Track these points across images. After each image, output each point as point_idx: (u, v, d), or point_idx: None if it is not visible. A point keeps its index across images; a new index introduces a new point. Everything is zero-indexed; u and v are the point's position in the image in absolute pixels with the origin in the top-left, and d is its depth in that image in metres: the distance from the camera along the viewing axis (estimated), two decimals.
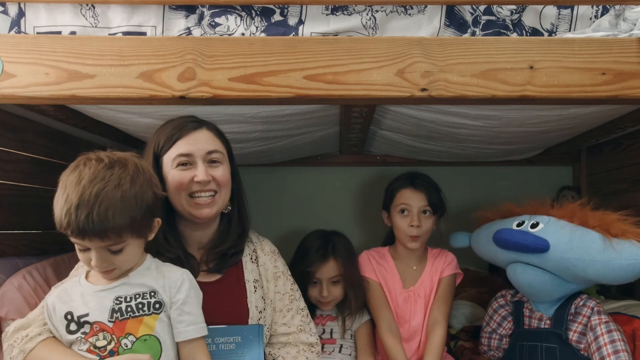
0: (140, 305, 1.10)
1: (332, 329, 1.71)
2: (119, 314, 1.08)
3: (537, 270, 1.48)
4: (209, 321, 1.19)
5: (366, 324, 1.74)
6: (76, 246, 1.08)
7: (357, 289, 1.69)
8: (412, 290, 1.75)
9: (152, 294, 1.11)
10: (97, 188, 1.02)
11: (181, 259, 1.28)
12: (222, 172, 1.30)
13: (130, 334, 1.08)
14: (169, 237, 1.28)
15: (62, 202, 1.03)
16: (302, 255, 1.70)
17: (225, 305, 1.31)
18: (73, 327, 1.10)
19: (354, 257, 1.74)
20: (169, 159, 1.27)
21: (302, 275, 1.62)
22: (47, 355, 1.10)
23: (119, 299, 1.09)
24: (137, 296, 1.10)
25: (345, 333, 1.71)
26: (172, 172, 1.27)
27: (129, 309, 1.09)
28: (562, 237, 1.43)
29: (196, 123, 1.31)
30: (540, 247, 1.44)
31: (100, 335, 1.08)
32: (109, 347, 1.07)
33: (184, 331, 1.12)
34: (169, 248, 1.27)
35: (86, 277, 1.15)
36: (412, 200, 1.71)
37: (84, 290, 1.12)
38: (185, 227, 1.34)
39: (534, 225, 1.50)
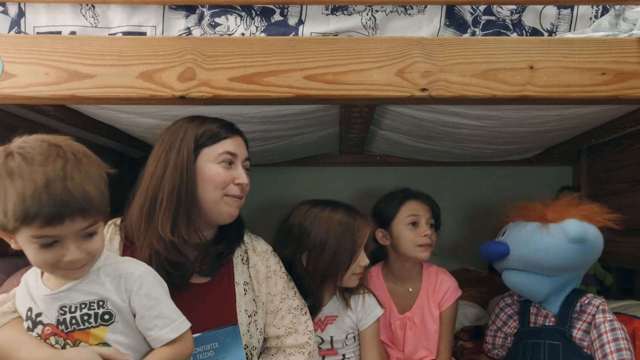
0: (85, 317, 0.98)
1: (332, 337, 1.53)
2: (63, 326, 0.99)
3: (518, 273, 1.55)
4: (197, 324, 1.15)
5: (375, 325, 1.56)
6: (33, 249, 0.91)
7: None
8: (407, 316, 1.68)
9: (101, 303, 0.99)
10: (60, 163, 0.88)
11: (182, 260, 1.24)
12: (248, 180, 1.32)
13: (82, 342, 0.99)
14: (177, 242, 1.23)
15: (19, 189, 0.85)
16: (347, 225, 1.46)
17: (214, 308, 1.28)
18: (30, 324, 1.02)
19: None
20: (212, 153, 1.25)
21: (350, 247, 1.45)
22: (14, 336, 1.03)
23: (64, 308, 0.99)
24: (83, 306, 0.98)
25: (347, 338, 1.54)
26: (215, 167, 1.25)
27: (73, 321, 0.98)
28: (515, 237, 1.54)
29: (236, 129, 1.32)
30: (502, 252, 1.54)
31: (52, 339, 1.00)
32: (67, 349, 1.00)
33: (159, 336, 1.02)
34: (174, 252, 1.22)
35: (42, 275, 1.04)
36: (420, 210, 1.67)
37: (37, 291, 1.02)
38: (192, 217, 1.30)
39: (503, 233, 1.62)
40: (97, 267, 1.01)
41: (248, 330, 1.30)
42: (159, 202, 1.21)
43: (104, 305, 0.99)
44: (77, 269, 0.96)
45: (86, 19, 1.27)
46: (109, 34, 1.27)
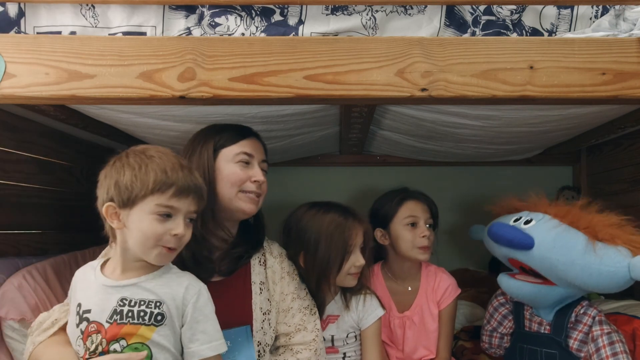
0: (142, 313, 1.07)
1: (332, 336, 1.55)
2: (119, 316, 1.06)
3: (518, 282, 1.49)
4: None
5: (375, 326, 1.55)
6: (150, 219, 1.05)
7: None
8: (407, 315, 1.69)
9: (158, 304, 1.08)
10: (185, 161, 1.14)
11: (203, 258, 1.30)
12: (266, 181, 1.41)
13: (123, 339, 1.06)
14: (205, 235, 1.32)
15: (161, 165, 1.06)
16: (337, 225, 1.48)
17: (230, 305, 1.32)
18: (77, 320, 1.10)
19: None
20: (230, 153, 1.35)
21: (341, 246, 1.46)
22: (50, 352, 1.13)
23: (124, 300, 1.07)
24: (142, 303, 1.07)
25: (348, 337, 1.56)
26: (232, 166, 1.35)
27: (129, 314, 1.06)
28: (548, 236, 1.41)
29: (254, 132, 1.43)
30: (525, 243, 1.43)
31: (94, 337, 1.07)
32: (98, 351, 1.06)
33: (198, 350, 1.09)
34: (202, 245, 1.30)
35: (101, 269, 1.14)
36: (418, 211, 1.68)
37: (96, 282, 1.11)
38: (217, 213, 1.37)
39: (527, 222, 1.49)
40: (162, 271, 1.12)
41: (262, 328, 1.35)
42: None
43: (160, 307, 1.08)
44: (167, 253, 1.08)
45: (86, 19, 1.27)
46: (109, 34, 1.27)
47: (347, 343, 1.57)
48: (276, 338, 1.40)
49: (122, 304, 1.07)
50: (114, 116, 1.59)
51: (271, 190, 2.49)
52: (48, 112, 1.57)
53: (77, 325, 1.10)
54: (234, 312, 1.32)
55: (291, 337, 1.39)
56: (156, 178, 1.05)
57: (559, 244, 1.38)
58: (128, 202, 1.05)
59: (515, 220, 1.54)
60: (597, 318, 1.45)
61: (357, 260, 1.49)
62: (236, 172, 1.34)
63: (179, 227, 1.07)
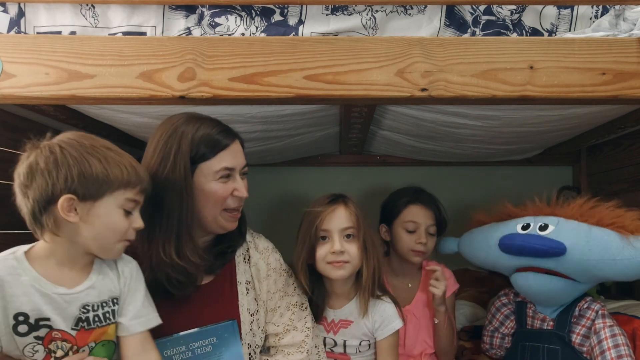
0: (107, 315, 1.05)
1: (345, 341, 1.46)
2: (85, 323, 1.02)
3: (551, 278, 1.44)
4: (202, 324, 1.17)
5: (392, 338, 1.45)
6: (118, 213, 1.02)
7: (371, 251, 1.43)
8: (407, 309, 1.68)
9: (115, 300, 1.07)
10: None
11: (179, 283, 1.23)
12: (246, 184, 1.29)
13: (93, 341, 1.04)
14: (181, 261, 1.21)
15: (122, 161, 1.02)
16: (314, 205, 1.45)
17: (217, 308, 1.29)
18: (23, 329, 0.99)
19: (364, 216, 1.48)
20: (210, 170, 1.21)
21: (310, 233, 1.41)
22: None
23: (87, 307, 1.03)
24: (104, 304, 1.05)
25: (361, 345, 1.46)
26: (214, 184, 1.22)
27: (96, 319, 1.04)
28: (579, 238, 1.38)
29: (233, 134, 1.27)
30: (558, 250, 1.38)
31: (59, 343, 1.01)
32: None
33: (128, 325, 1.07)
34: (177, 270, 1.21)
35: (35, 269, 1.01)
36: (420, 217, 1.67)
37: (41, 290, 0.99)
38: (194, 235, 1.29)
39: (542, 228, 1.44)
40: (98, 262, 1.08)
41: (251, 329, 1.30)
42: (157, 223, 1.18)
43: (117, 302, 1.07)
44: (124, 245, 1.07)
45: (86, 19, 1.27)
46: (109, 34, 1.27)
47: (360, 351, 1.47)
48: (266, 338, 1.36)
49: (85, 310, 1.02)
50: (114, 116, 1.59)
51: (271, 190, 2.51)
52: (48, 112, 1.57)
53: (25, 335, 0.99)
54: (221, 315, 1.28)
55: (280, 337, 1.34)
56: (127, 172, 1.02)
57: (595, 245, 1.36)
58: (95, 194, 0.99)
59: (524, 228, 1.49)
60: (600, 312, 1.47)
61: (332, 246, 1.39)
62: (219, 190, 1.22)
63: (139, 221, 1.06)
